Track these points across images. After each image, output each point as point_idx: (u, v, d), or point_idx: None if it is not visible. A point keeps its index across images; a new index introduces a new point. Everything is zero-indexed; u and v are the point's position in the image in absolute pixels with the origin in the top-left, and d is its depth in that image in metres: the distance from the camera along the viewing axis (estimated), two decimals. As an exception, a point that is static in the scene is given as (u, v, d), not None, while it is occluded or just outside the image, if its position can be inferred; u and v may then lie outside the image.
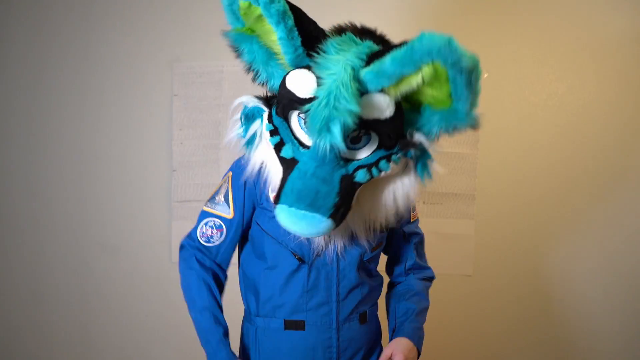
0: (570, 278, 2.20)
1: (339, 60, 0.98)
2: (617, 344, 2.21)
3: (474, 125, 1.01)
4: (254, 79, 1.15)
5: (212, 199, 1.26)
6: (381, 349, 1.31)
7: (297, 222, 1.00)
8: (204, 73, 2.13)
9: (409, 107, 1.05)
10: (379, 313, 1.37)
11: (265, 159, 1.12)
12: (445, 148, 2.12)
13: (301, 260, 1.17)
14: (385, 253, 1.39)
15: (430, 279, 1.41)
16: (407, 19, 2.11)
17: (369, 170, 1.03)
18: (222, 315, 1.22)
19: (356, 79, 0.96)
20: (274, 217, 1.15)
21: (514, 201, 2.17)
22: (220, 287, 1.27)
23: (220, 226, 1.22)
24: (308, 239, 1.15)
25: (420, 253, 1.40)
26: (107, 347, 2.21)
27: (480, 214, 2.16)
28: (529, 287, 2.20)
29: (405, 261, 1.37)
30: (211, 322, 1.18)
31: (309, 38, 1.05)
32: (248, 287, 1.27)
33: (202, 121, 2.13)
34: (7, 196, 2.18)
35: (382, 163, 1.04)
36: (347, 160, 1.03)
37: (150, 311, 2.19)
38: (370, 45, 1.05)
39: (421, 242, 1.40)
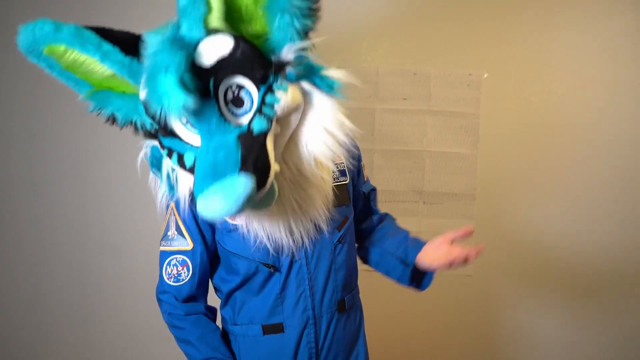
0: (571, 278, 2.20)
1: (157, 40, 0.90)
2: (618, 346, 2.21)
3: None
4: (136, 132, 1.07)
5: (165, 236, 1.17)
6: (363, 339, 1.30)
7: (211, 201, 0.84)
8: (204, 73, 2.12)
9: (259, 43, 0.93)
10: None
11: (191, 184, 1.00)
12: (445, 148, 2.13)
13: (273, 268, 1.14)
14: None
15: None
16: (409, 19, 2.11)
17: (261, 113, 0.90)
18: (222, 350, 1.18)
19: (173, 40, 0.87)
20: (229, 232, 1.13)
21: (514, 201, 2.17)
22: (211, 317, 1.22)
23: (184, 261, 1.15)
24: (272, 246, 1.09)
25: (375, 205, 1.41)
26: (107, 347, 2.21)
27: (480, 214, 2.16)
28: (528, 287, 2.20)
29: (372, 216, 1.37)
30: None
31: (129, 45, 0.96)
32: (222, 299, 1.25)
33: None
34: (7, 196, 2.18)
35: (268, 97, 0.90)
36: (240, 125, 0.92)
37: (150, 311, 2.18)
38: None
39: (375, 196, 1.41)
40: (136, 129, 1.06)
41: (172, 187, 1.06)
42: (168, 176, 1.05)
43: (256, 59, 0.90)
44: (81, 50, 0.96)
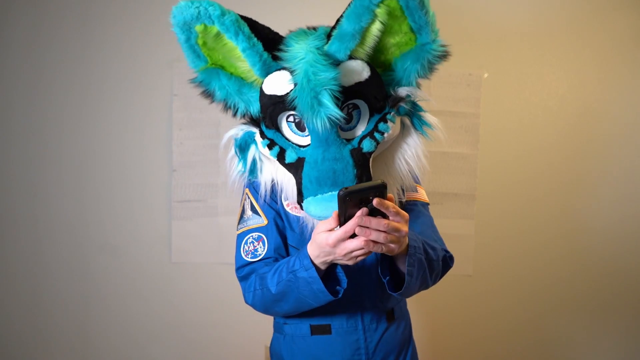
0: (570, 278, 2.20)
1: (302, 47, 1.02)
2: (616, 344, 2.21)
3: (445, 52, 1.07)
4: (234, 115, 1.18)
5: (241, 219, 1.23)
6: (413, 348, 1.28)
7: (327, 205, 1.00)
8: (204, 73, 2.12)
9: (382, 70, 1.10)
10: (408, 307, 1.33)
11: (273, 174, 1.15)
12: (445, 148, 2.13)
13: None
14: None
15: (444, 250, 1.21)
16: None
17: (372, 137, 1.06)
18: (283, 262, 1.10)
19: (324, 54, 1.00)
20: (289, 226, 1.18)
21: (514, 201, 2.17)
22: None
23: (259, 237, 1.19)
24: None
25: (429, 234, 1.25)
26: (106, 347, 2.20)
27: (480, 214, 2.16)
28: (528, 287, 2.20)
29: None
30: (286, 277, 1.06)
31: (268, 42, 1.07)
32: None
33: (202, 121, 2.13)
34: (6, 196, 2.18)
35: (381, 125, 1.07)
36: (349, 140, 1.06)
37: (150, 311, 2.19)
38: (324, 29, 1.09)
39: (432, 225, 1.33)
40: (229, 108, 1.17)
41: (252, 172, 1.17)
42: (254, 161, 1.16)
43: (380, 91, 1.07)
44: (232, 37, 1.05)
